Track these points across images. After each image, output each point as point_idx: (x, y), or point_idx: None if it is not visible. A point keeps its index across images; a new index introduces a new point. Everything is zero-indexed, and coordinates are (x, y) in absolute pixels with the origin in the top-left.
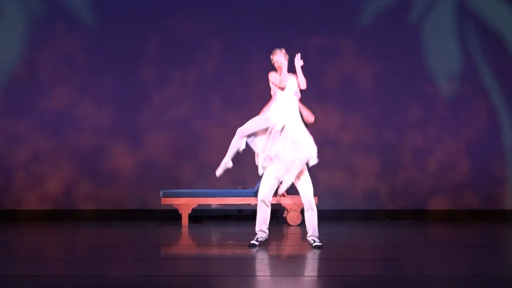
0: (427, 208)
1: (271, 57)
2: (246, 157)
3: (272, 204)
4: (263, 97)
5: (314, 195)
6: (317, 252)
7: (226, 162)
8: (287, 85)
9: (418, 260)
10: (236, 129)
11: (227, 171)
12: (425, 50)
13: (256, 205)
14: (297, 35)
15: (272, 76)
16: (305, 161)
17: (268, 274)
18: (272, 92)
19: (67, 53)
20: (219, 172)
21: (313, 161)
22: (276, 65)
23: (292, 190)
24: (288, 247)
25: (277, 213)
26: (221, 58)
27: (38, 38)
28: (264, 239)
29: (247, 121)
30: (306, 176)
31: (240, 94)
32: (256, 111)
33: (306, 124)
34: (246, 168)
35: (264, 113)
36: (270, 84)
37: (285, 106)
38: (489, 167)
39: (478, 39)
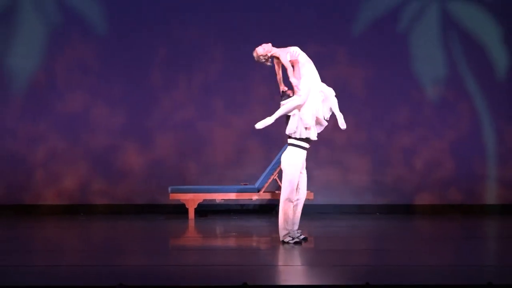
0: (414, 203)
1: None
2: (247, 157)
3: (271, 199)
4: (263, 101)
5: (310, 191)
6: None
7: (269, 120)
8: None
9: (405, 251)
10: (238, 130)
11: (231, 169)
12: (413, 57)
13: (257, 199)
14: (295, 43)
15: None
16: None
17: (267, 263)
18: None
19: (82, 60)
20: (259, 126)
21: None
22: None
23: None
24: None
25: (276, 208)
26: (224, 64)
27: (55, 46)
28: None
29: (248, 122)
30: (305, 172)
31: (242, 97)
32: (256, 114)
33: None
34: (248, 166)
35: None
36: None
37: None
38: (471, 165)
39: (461, 47)
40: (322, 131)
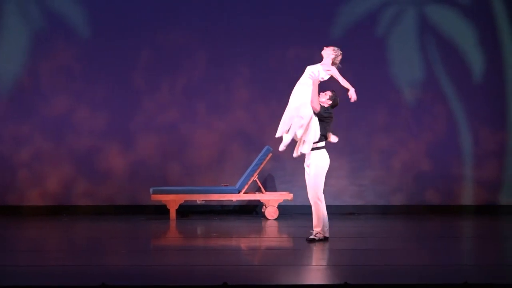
0: (392, 204)
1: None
2: (228, 159)
3: (251, 200)
4: (245, 104)
5: (290, 192)
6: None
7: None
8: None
9: (383, 250)
10: (219, 132)
11: (212, 170)
12: (390, 61)
13: (237, 200)
14: (276, 47)
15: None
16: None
17: (247, 263)
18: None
19: (66, 63)
20: (282, 148)
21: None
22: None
23: (270, 187)
24: (266, 240)
25: (256, 208)
26: (206, 68)
27: (39, 50)
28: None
29: (230, 125)
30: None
31: (224, 101)
32: (238, 117)
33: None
34: (229, 168)
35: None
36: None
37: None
38: (448, 166)
39: (438, 51)
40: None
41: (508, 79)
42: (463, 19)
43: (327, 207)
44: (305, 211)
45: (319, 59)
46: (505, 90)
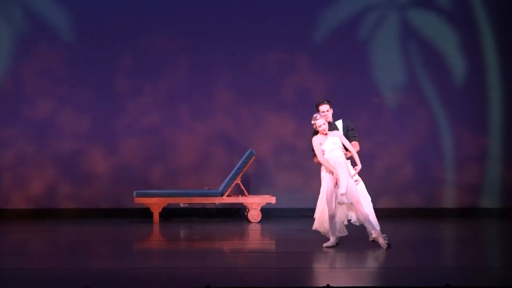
0: (374, 207)
1: (312, 122)
2: (211, 162)
3: (234, 203)
4: (227, 108)
5: (273, 195)
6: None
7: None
8: (329, 145)
9: (365, 253)
10: (202, 136)
11: (195, 174)
12: (373, 65)
13: (221, 204)
14: (257, 51)
15: (314, 144)
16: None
17: (230, 266)
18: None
19: (49, 67)
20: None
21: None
22: (319, 129)
23: (253, 191)
24: (249, 242)
25: (239, 211)
26: (189, 72)
27: (23, 54)
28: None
29: (213, 129)
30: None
31: (206, 105)
32: (220, 120)
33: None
34: (212, 171)
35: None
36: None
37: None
38: (430, 170)
39: (420, 55)
40: (286, 137)
41: (489, 83)
42: (445, 23)
43: (310, 210)
44: (288, 214)
45: (300, 64)
46: (486, 94)
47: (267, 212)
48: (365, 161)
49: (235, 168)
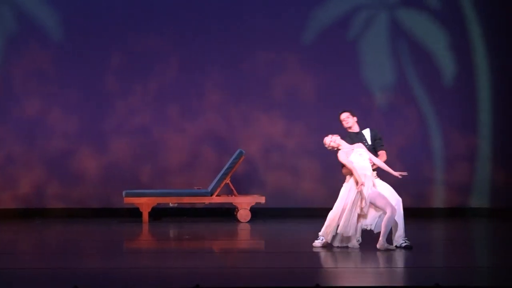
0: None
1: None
2: (201, 162)
3: (223, 203)
4: (217, 108)
5: (262, 195)
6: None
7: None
8: (356, 157)
9: (354, 253)
10: (191, 135)
11: (185, 173)
12: (362, 65)
13: (210, 203)
14: (247, 51)
15: (341, 158)
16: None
17: (220, 266)
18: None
19: (39, 66)
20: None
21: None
22: (330, 147)
23: (242, 190)
24: (239, 242)
25: (229, 211)
26: (178, 71)
27: (12, 53)
28: None
29: (202, 128)
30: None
31: (195, 104)
32: (210, 120)
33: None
34: (201, 171)
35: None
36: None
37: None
38: (419, 169)
39: (409, 54)
40: (275, 137)
41: (479, 82)
42: (434, 23)
43: (299, 209)
44: (278, 213)
45: (290, 63)
46: (476, 94)
47: (256, 212)
48: None
49: (225, 168)
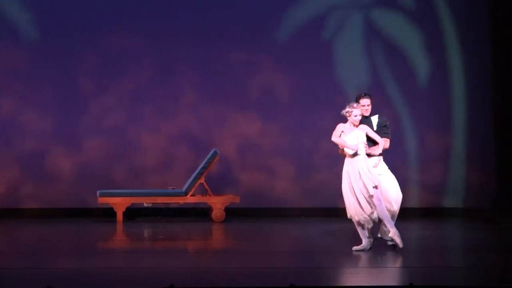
0: (338, 207)
1: (348, 109)
2: (175, 161)
3: (198, 203)
4: (191, 107)
5: (237, 195)
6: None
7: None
8: (351, 138)
9: (328, 252)
10: (166, 135)
11: (159, 173)
12: (336, 64)
13: (184, 203)
14: (222, 51)
15: (337, 127)
16: None
17: (194, 266)
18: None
19: (12, 65)
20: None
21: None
22: (352, 119)
23: (217, 190)
24: (213, 242)
25: (203, 211)
26: (153, 71)
27: None
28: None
29: (177, 128)
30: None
31: (170, 104)
32: (184, 120)
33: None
34: (176, 171)
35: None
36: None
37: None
38: (393, 170)
39: (384, 54)
40: (250, 137)
41: (453, 82)
42: (408, 23)
43: (273, 209)
44: (252, 213)
45: (264, 63)
46: (450, 94)
47: (231, 212)
48: (329, 161)
49: (199, 168)
